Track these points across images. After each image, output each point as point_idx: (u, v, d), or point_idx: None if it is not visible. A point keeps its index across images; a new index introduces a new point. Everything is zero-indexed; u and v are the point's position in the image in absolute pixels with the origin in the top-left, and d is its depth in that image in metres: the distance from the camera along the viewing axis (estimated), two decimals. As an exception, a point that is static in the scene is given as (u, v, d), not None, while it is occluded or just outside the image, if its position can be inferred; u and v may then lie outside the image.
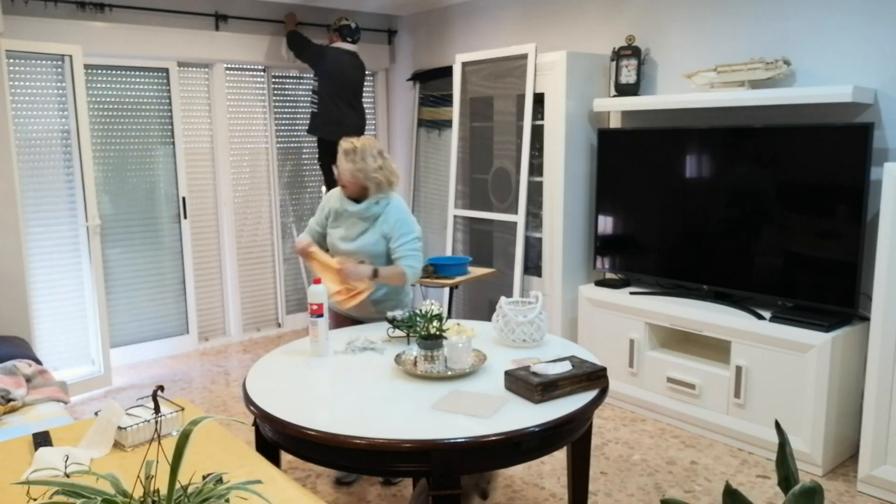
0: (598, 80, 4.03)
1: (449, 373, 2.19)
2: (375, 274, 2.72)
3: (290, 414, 1.93)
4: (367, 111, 5.68)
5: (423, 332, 2.33)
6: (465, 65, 4.46)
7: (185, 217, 4.84)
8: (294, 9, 5.10)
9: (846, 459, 3.15)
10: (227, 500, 1.13)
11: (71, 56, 3.98)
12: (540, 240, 4.16)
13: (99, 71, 4.42)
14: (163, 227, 4.77)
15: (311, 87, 4.91)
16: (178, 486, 1.10)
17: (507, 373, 2.10)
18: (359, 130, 4.95)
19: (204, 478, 1.22)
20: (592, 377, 2.09)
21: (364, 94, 5.50)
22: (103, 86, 4.45)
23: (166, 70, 4.68)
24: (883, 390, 2.78)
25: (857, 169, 2.91)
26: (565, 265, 4.02)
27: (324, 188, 5.37)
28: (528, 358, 2.37)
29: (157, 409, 1.77)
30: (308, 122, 4.97)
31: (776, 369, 3.09)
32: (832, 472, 3.05)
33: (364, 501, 2.85)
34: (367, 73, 5.59)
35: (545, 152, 4.00)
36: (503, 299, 2.55)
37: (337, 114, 4.81)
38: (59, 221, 4.24)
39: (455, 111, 4.53)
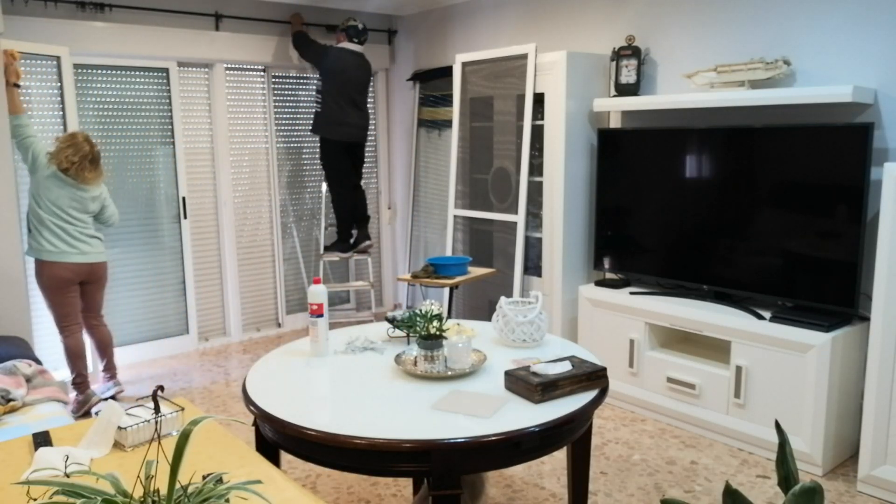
0: (598, 80, 4.03)
1: (449, 373, 2.19)
2: None
3: (290, 414, 1.93)
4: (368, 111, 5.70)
5: (423, 332, 2.33)
6: (465, 65, 4.46)
7: (185, 217, 4.84)
8: (296, 9, 5.11)
9: (846, 459, 3.15)
10: (227, 500, 1.13)
11: (59, 57, 3.98)
12: (540, 240, 4.16)
13: (99, 71, 4.42)
14: (163, 227, 4.77)
15: (314, 87, 4.92)
16: (178, 486, 1.10)
17: (507, 373, 2.10)
18: (361, 129, 4.96)
19: (204, 478, 1.22)
20: (592, 377, 2.09)
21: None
22: (103, 86, 4.45)
23: (166, 70, 4.68)
24: (883, 390, 2.78)
25: (857, 169, 2.91)
26: (565, 265, 4.02)
27: (324, 186, 5.38)
28: (528, 358, 2.37)
29: (157, 409, 1.77)
30: (312, 121, 4.97)
31: (776, 369, 3.09)
32: (832, 472, 3.05)
33: (364, 501, 2.85)
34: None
35: (545, 152, 4.00)
36: (503, 299, 2.55)
37: (339, 113, 4.82)
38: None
39: (455, 111, 4.53)
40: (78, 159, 3.62)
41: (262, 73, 5.11)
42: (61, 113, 4.19)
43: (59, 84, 4.19)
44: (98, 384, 4.06)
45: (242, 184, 5.12)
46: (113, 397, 3.95)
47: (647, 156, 3.70)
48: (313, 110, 4.98)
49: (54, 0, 4.15)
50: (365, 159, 5.25)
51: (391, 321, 2.58)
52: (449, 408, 1.95)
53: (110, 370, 3.99)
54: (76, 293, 3.76)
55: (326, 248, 5.19)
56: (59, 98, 4.18)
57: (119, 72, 4.50)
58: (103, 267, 3.85)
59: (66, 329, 3.74)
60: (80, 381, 3.78)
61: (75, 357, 3.76)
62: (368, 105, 5.67)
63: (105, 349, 3.97)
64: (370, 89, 5.74)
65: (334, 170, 4.95)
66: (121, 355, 4.64)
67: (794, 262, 3.17)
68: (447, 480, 1.81)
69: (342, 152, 4.93)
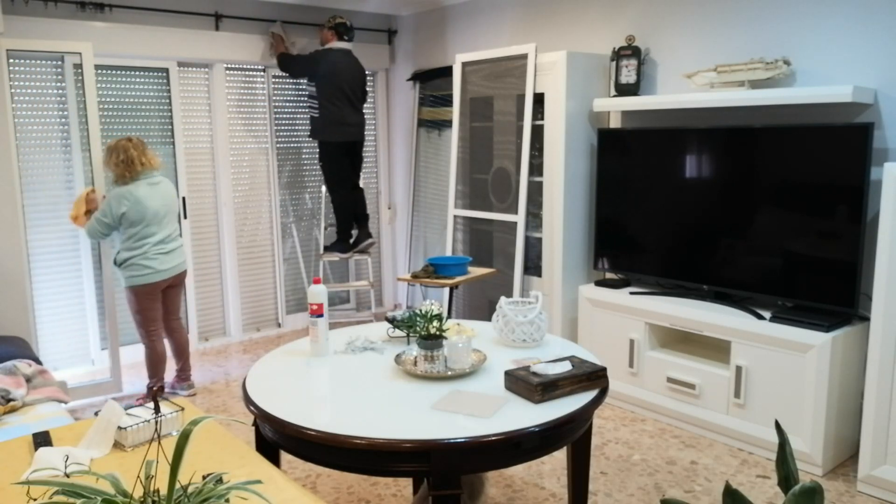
0: (598, 80, 4.03)
1: (449, 373, 2.19)
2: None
3: (290, 414, 1.93)
4: (367, 111, 5.69)
5: (423, 332, 2.33)
6: (465, 65, 4.46)
7: (185, 217, 4.84)
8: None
9: (846, 459, 3.15)
10: (227, 500, 1.13)
11: (81, 53, 3.90)
12: (540, 240, 4.16)
13: (99, 71, 4.42)
14: (163, 227, 4.77)
15: (307, 93, 4.90)
16: (178, 486, 1.10)
17: (507, 373, 2.10)
18: (360, 127, 4.94)
19: (204, 478, 1.22)
20: (592, 377, 2.09)
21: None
22: (103, 86, 4.45)
23: (166, 70, 4.68)
24: (883, 390, 2.78)
25: (857, 169, 2.91)
26: (565, 265, 4.02)
27: (323, 188, 5.37)
28: (528, 358, 2.37)
29: (157, 409, 1.78)
30: (309, 127, 4.94)
31: (776, 369, 3.09)
32: (832, 472, 3.05)
33: (364, 501, 2.85)
34: (366, 71, 5.61)
35: (545, 152, 4.00)
36: (503, 299, 2.55)
37: (338, 114, 4.80)
38: (59, 221, 4.24)
39: (455, 111, 4.53)
40: (124, 157, 3.62)
41: (262, 73, 5.11)
42: (67, 114, 4.19)
43: (64, 84, 4.18)
44: (170, 383, 4.16)
45: (242, 184, 5.12)
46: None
47: (648, 156, 3.70)
48: (308, 116, 4.94)
49: (55, 0, 4.15)
50: (364, 158, 5.25)
51: (391, 321, 2.58)
52: (449, 408, 1.95)
53: (185, 371, 4.06)
54: (161, 298, 3.87)
55: (326, 248, 5.19)
56: (63, 98, 4.18)
57: (119, 72, 4.50)
58: (185, 272, 3.97)
59: (153, 333, 3.82)
60: (157, 388, 3.83)
61: (160, 363, 3.85)
62: (368, 104, 5.68)
63: (183, 351, 4.05)
64: (367, 88, 5.74)
65: (334, 172, 4.94)
66: (122, 355, 4.64)
67: (794, 262, 3.17)
68: (447, 480, 1.81)
69: (343, 154, 4.92)
